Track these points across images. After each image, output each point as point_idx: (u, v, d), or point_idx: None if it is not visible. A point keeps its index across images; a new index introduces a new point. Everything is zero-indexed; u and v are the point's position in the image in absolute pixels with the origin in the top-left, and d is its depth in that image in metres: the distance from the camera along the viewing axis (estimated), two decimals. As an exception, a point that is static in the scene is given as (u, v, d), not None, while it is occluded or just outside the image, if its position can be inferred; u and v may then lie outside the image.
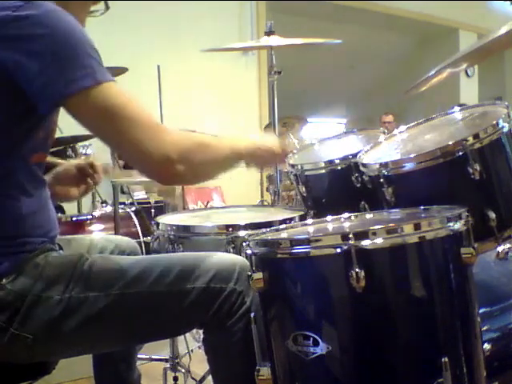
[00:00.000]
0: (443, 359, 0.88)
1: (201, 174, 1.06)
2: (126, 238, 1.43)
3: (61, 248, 1.12)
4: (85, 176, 1.34)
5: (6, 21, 0.86)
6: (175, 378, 1.85)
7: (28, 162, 0.99)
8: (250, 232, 1.26)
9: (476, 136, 1.14)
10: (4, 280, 0.94)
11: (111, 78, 0.91)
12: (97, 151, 2.94)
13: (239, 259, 1.09)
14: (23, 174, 0.98)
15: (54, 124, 1.07)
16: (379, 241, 0.87)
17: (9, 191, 0.96)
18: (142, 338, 1.16)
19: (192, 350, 1.94)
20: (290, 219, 1.40)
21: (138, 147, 0.92)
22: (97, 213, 2.51)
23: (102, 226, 2.50)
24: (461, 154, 1.13)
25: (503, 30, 1.15)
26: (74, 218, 2.45)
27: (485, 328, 1.20)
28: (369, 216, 1.21)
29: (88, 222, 2.48)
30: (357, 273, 0.85)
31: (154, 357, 1.94)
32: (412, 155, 1.20)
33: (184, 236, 1.37)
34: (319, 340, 0.90)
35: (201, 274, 1.03)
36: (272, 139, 1.25)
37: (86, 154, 2.84)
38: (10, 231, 0.97)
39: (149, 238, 2.21)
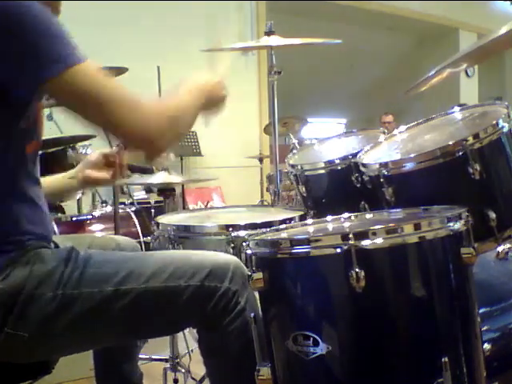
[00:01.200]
0: (443, 359, 0.88)
1: (176, 140, 1.10)
2: (126, 238, 1.43)
3: (57, 246, 1.12)
4: (111, 164, 1.35)
5: None
6: (175, 381, 1.84)
7: (22, 153, 0.98)
8: (249, 232, 1.26)
9: (476, 136, 1.14)
10: None
11: (87, 58, 0.91)
12: (97, 149, 2.94)
13: (233, 259, 1.09)
14: (18, 167, 0.97)
15: (39, 111, 1.04)
16: (379, 241, 0.87)
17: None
18: (137, 335, 1.16)
19: (192, 350, 1.94)
20: (290, 219, 1.40)
21: (121, 128, 0.94)
22: (97, 213, 2.52)
23: (101, 226, 2.50)
24: (461, 154, 1.13)
25: (503, 30, 1.15)
26: (74, 218, 2.45)
27: (485, 328, 1.20)
28: (369, 216, 1.22)
29: (88, 222, 2.48)
30: (357, 273, 0.85)
31: (154, 357, 1.94)
32: (412, 155, 1.20)
33: (184, 236, 1.38)
34: (319, 340, 0.90)
35: (195, 271, 1.03)
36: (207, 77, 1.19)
37: (86, 154, 2.85)
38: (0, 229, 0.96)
39: (149, 237, 2.21)
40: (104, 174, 1.33)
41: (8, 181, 0.97)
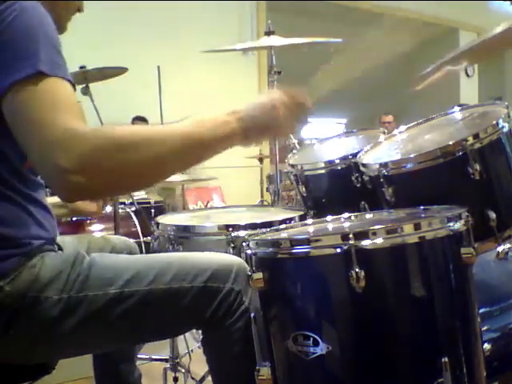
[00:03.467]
0: (443, 359, 0.88)
1: (122, 182, 0.82)
2: (125, 238, 1.43)
3: (60, 248, 1.12)
4: None
5: None
6: (175, 379, 1.85)
7: (20, 167, 0.97)
8: (249, 232, 1.26)
9: (476, 136, 1.14)
10: (1, 282, 0.93)
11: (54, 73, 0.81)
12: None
13: (236, 259, 1.09)
14: (16, 176, 0.97)
15: None
16: (379, 241, 0.87)
17: (2, 192, 0.95)
18: (141, 338, 1.16)
19: (192, 350, 1.95)
20: (290, 219, 1.40)
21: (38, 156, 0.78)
22: (97, 213, 2.51)
23: (101, 226, 2.51)
24: (461, 153, 1.13)
25: (500, 28, 1.15)
26: (74, 218, 2.45)
27: (485, 328, 1.20)
28: (369, 216, 1.21)
29: (88, 222, 2.48)
30: (357, 273, 0.85)
31: (154, 357, 1.94)
32: (412, 155, 1.20)
33: (184, 236, 1.38)
34: (319, 340, 0.90)
35: (198, 273, 1.03)
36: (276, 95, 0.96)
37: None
38: (6, 233, 0.95)
39: (149, 237, 2.21)
40: (93, 206, 1.36)
41: (15, 182, 0.97)
